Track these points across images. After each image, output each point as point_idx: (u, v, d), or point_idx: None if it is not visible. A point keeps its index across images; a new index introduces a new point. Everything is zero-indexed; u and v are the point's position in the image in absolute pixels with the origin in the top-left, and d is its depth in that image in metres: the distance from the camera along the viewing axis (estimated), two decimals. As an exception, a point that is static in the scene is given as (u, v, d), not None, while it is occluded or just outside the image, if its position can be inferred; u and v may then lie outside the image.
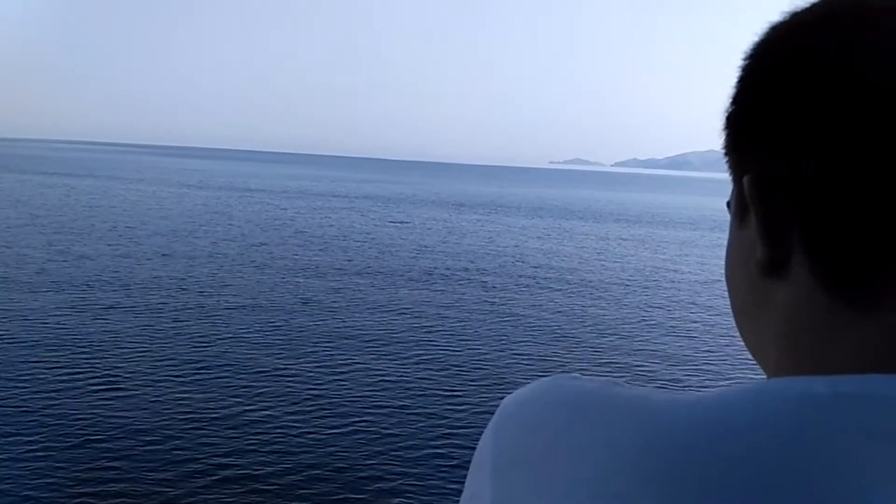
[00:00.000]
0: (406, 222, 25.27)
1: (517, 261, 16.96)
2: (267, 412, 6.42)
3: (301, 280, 12.85)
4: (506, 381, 7.66)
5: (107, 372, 7.23)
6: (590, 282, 14.43)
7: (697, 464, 0.32)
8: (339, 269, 14.34)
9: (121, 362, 7.57)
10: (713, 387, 6.92)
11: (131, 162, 78.33)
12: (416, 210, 31.28)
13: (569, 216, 32.98)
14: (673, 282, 14.95)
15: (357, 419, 6.36)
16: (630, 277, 15.29)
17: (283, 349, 8.42)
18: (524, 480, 0.37)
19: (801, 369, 0.38)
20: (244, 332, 9.05)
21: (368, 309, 10.80)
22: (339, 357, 8.20)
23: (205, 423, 6.06)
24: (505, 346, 9.11)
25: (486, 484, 0.39)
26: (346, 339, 9.02)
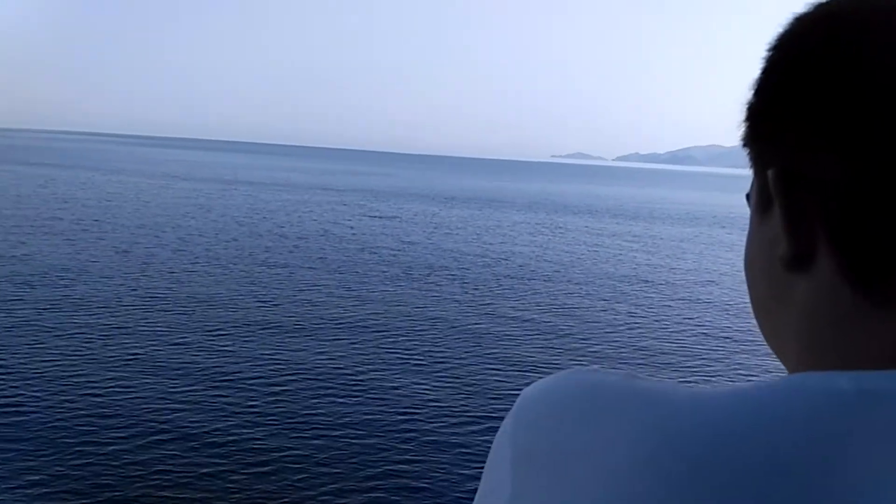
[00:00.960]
0: (394, 217, 24.30)
1: (504, 258, 16.03)
2: (213, 420, 5.66)
3: (266, 278, 11.90)
4: (485, 384, 6.85)
5: (30, 376, 6.34)
6: (578, 280, 13.50)
7: (717, 463, 0.31)
8: (310, 267, 13.37)
9: (49, 365, 6.75)
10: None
11: (120, 152, 77.32)
12: (407, 204, 30.27)
13: (564, 211, 32.01)
14: (667, 281, 14.01)
15: (324, 428, 5.68)
16: (624, 275, 14.36)
17: (229, 351, 7.51)
18: (543, 476, 0.36)
19: (823, 364, 0.38)
20: (190, 334, 8.13)
21: (338, 308, 9.88)
22: (293, 362, 7.25)
23: (136, 432, 5.31)
24: (484, 346, 8.25)
25: (505, 477, 0.38)
26: (305, 343, 8.08)
